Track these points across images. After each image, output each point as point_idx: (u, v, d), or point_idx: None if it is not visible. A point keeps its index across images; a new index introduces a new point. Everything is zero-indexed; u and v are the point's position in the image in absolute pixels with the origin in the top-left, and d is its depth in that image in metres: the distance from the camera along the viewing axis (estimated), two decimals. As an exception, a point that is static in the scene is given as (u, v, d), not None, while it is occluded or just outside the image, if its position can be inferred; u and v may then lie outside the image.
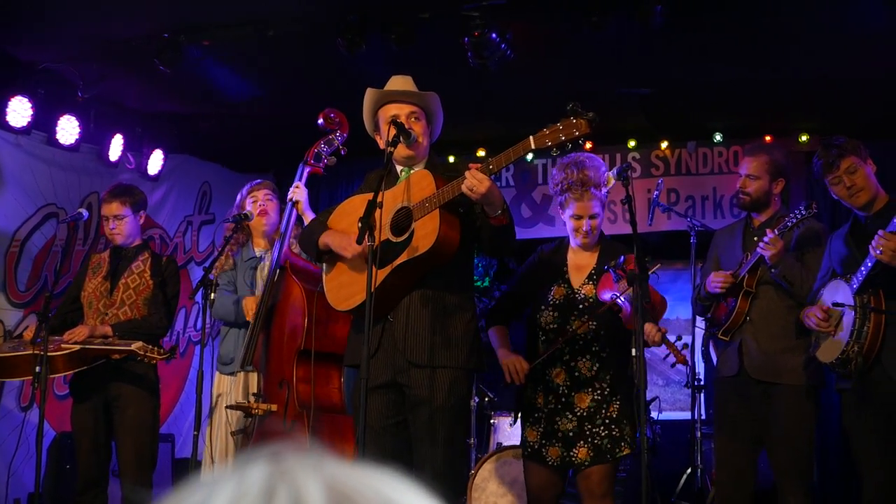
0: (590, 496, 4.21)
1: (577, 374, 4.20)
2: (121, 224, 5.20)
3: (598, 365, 4.19)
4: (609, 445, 4.14)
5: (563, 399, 4.20)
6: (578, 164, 4.23)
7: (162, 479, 6.52)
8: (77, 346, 4.84)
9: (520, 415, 4.42)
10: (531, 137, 3.33)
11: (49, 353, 4.75)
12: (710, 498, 5.81)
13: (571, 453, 4.17)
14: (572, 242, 4.39)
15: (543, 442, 4.22)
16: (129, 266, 5.22)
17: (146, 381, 5.09)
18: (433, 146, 4.05)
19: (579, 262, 4.37)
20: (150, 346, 4.79)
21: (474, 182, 3.37)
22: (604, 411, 4.16)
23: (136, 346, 4.75)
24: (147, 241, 5.49)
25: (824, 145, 4.19)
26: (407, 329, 3.70)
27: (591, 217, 4.26)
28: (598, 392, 4.18)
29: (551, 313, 4.29)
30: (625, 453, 4.20)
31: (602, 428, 4.15)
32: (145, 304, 5.15)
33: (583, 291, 4.29)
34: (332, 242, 3.84)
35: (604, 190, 4.31)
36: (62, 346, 4.82)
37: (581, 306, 4.26)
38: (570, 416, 4.18)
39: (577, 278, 4.33)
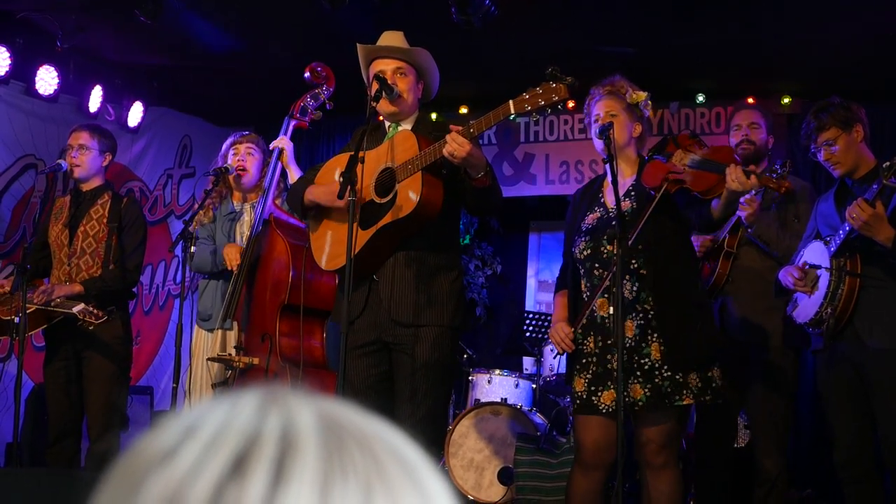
0: (646, 449, 3.74)
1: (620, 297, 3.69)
2: (83, 155, 5.09)
3: (637, 284, 3.73)
4: (669, 389, 3.66)
5: (613, 332, 3.70)
6: (603, 83, 4.02)
7: (141, 431, 6.54)
8: (33, 307, 4.81)
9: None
10: (510, 102, 3.34)
11: (6, 317, 4.74)
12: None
13: (626, 393, 3.63)
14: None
15: (593, 388, 3.78)
16: (87, 211, 5.11)
17: (114, 333, 5.05)
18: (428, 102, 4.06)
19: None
20: (90, 310, 4.71)
21: (455, 146, 3.38)
22: (656, 343, 3.69)
23: (76, 309, 4.69)
24: (109, 183, 5.37)
25: (812, 112, 4.16)
26: (392, 288, 3.72)
27: (610, 115, 3.85)
28: (641, 316, 3.71)
29: (584, 239, 3.88)
30: (684, 403, 3.69)
31: (661, 367, 3.67)
32: (106, 253, 5.08)
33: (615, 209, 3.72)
34: (318, 196, 3.85)
35: (627, 96, 3.92)
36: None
37: (614, 223, 3.69)
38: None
39: (612, 199, 3.82)
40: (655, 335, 3.70)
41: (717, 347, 3.81)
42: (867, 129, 4.15)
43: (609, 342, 3.76)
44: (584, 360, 3.85)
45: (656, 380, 3.66)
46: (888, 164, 3.80)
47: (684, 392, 3.67)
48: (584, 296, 3.88)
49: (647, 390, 3.66)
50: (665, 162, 3.76)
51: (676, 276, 3.81)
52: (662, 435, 3.73)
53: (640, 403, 3.68)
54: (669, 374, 3.67)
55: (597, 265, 3.82)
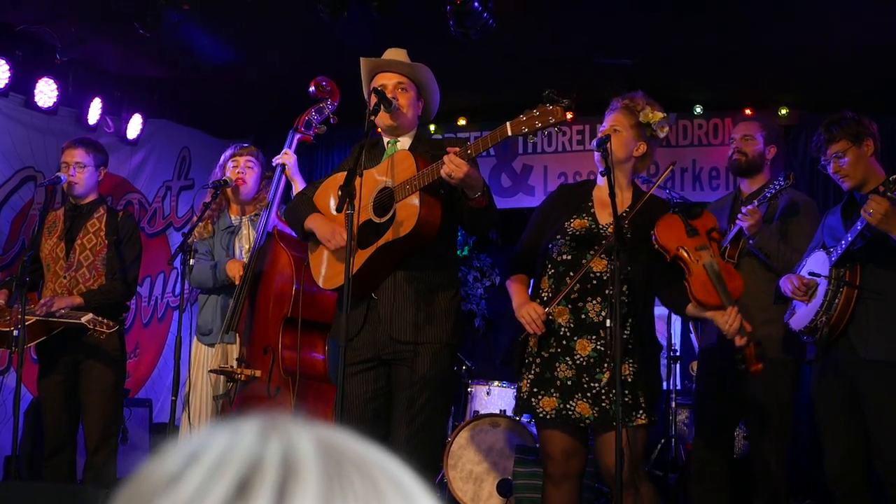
0: (611, 471, 3.60)
1: (583, 316, 3.77)
2: (81, 172, 5.08)
3: (605, 311, 3.72)
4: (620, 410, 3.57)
5: (564, 343, 3.77)
6: (623, 97, 4.01)
7: (139, 443, 6.54)
8: (34, 318, 4.80)
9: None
10: (508, 124, 3.34)
11: (5, 329, 4.73)
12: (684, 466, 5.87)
13: (569, 406, 3.72)
14: (598, 175, 3.95)
15: (535, 391, 3.80)
16: (84, 224, 5.12)
17: (110, 346, 5.05)
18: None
19: (606, 199, 3.79)
20: (100, 319, 4.72)
21: (452, 168, 3.38)
22: (607, 367, 3.68)
23: (85, 319, 4.69)
24: (103, 197, 5.37)
25: (824, 125, 4.19)
26: (391, 307, 3.73)
27: (615, 130, 3.87)
28: (602, 342, 3.72)
29: (567, 243, 3.86)
30: (640, 423, 3.71)
31: (608, 387, 3.67)
32: (104, 266, 5.08)
33: (610, 230, 3.72)
34: (317, 231, 3.85)
35: (639, 117, 3.92)
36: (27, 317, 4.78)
37: (604, 243, 3.77)
38: (569, 363, 3.76)
39: (604, 214, 3.88)
40: (608, 364, 3.69)
41: (659, 396, 3.91)
42: (878, 144, 4.17)
43: (559, 350, 3.78)
44: (527, 360, 3.87)
45: (604, 403, 3.69)
46: (893, 177, 3.81)
47: (636, 413, 3.71)
48: (545, 295, 3.87)
49: (594, 411, 3.69)
50: (688, 236, 3.76)
51: (643, 313, 3.87)
52: (628, 453, 3.63)
53: (588, 421, 3.71)
54: (621, 395, 3.64)
55: (571, 273, 3.82)
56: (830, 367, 4.13)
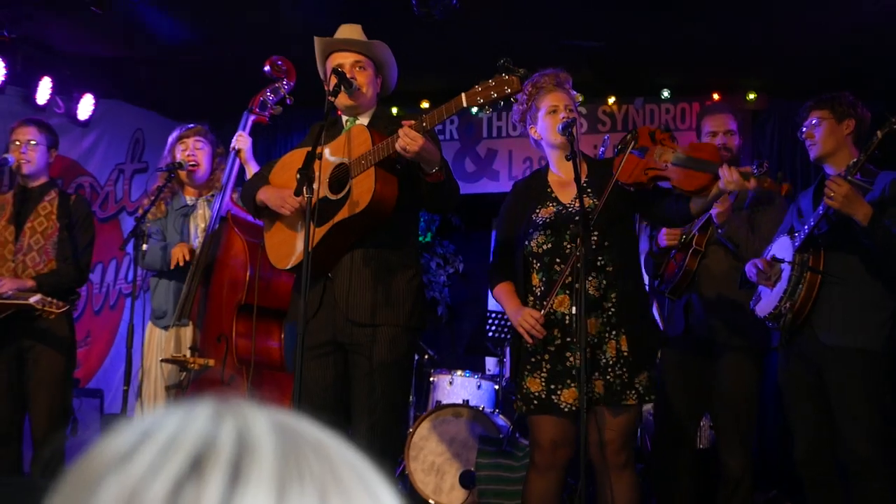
0: (606, 449, 3.67)
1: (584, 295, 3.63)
2: (32, 151, 4.94)
3: (605, 281, 3.69)
4: (618, 388, 3.65)
5: (573, 328, 3.65)
6: (546, 73, 3.95)
7: (90, 435, 6.37)
8: None
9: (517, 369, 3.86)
10: (463, 95, 3.28)
11: None
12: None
13: (588, 388, 3.62)
14: (550, 154, 3.94)
15: (553, 387, 3.70)
16: (35, 208, 4.97)
17: (60, 333, 4.91)
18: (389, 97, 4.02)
19: (564, 180, 3.89)
20: (49, 300, 4.58)
21: (407, 141, 3.32)
22: (613, 341, 3.65)
23: (33, 299, 4.55)
24: (54, 180, 5.24)
25: (819, 96, 4.17)
26: (348, 288, 3.66)
27: (568, 109, 3.82)
28: (605, 315, 3.67)
29: (542, 233, 3.80)
30: (629, 403, 3.67)
31: (615, 365, 3.65)
32: (54, 249, 4.93)
33: (577, 205, 3.66)
34: (268, 200, 3.78)
35: (574, 95, 3.93)
36: None
37: (576, 219, 3.61)
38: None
39: (566, 194, 3.86)
40: (613, 332, 3.68)
41: (660, 344, 3.90)
42: (862, 130, 4.11)
43: (568, 339, 3.69)
44: (533, 359, 3.77)
45: (608, 377, 3.65)
46: (853, 161, 3.81)
47: (629, 392, 3.67)
48: (538, 290, 3.81)
49: (603, 383, 3.65)
50: (641, 157, 3.68)
51: (633, 268, 3.85)
52: (622, 434, 3.69)
53: (599, 397, 3.64)
54: (620, 373, 3.66)
55: (557, 260, 3.77)
56: (795, 354, 4.11)
